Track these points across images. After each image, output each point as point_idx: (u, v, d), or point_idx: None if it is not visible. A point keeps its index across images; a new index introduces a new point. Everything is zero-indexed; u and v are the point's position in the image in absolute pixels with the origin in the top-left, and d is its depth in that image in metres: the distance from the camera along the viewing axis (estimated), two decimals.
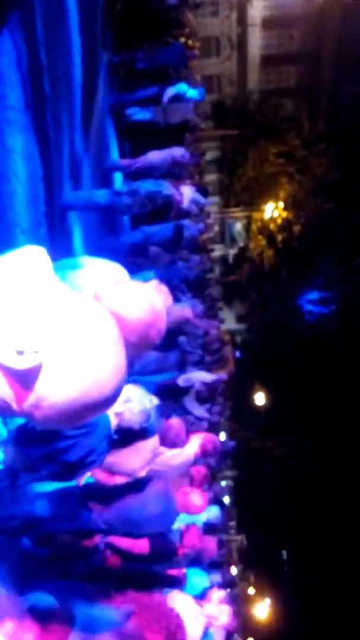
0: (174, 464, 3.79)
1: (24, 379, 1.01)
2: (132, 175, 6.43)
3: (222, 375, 8.23)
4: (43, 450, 2.18)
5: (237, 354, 22.09)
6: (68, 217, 5.15)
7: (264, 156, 22.28)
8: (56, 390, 1.01)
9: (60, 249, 4.81)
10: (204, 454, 4.77)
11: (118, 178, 7.42)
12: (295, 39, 26.94)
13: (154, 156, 6.32)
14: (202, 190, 8.83)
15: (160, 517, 2.64)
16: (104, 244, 6.10)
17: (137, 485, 2.51)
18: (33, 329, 1.03)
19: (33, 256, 1.53)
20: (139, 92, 7.54)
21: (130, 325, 1.44)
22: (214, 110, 24.09)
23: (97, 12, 6.81)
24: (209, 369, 7.80)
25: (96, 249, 6.19)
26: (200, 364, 7.08)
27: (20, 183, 3.65)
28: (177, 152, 6.46)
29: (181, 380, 5.64)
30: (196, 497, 2.73)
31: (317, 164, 22.45)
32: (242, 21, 26.07)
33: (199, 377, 6.37)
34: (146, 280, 4.93)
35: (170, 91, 7.40)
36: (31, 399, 1.02)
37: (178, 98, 7.59)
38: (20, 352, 1.01)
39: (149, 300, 1.60)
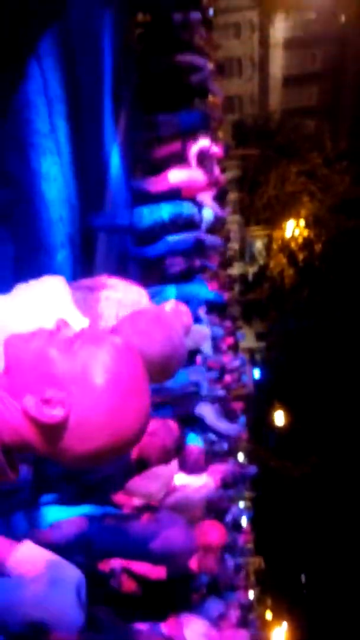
0: (194, 497, 3.74)
1: (48, 432, 0.98)
2: (154, 196, 6.50)
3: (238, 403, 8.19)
4: (63, 469, 2.17)
5: (257, 372, 21.95)
6: (91, 238, 5.21)
7: (285, 175, 22.34)
8: (80, 443, 0.98)
9: (82, 269, 4.87)
10: (224, 485, 4.72)
11: (140, 198, 7.51)
12: (317, 59, 27.14)
13: (175, 177, 6.39)
14: (223, 192, 8.85)
15: (180, 557, 2.61)
16: (128, 255, 6.17)
17: (157, 519, 2.49)
18: (59, 373, 0.98)
19: (53, 289, 1.54)
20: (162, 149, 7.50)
21: (150, 359, 1.44)
22: (235, 129, 24.29)
23: (124, 41, 6.97)
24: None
25: (119, 260, 6.28)
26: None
27: (44, 205, 3.72)
28: (197, 174, 6.52)
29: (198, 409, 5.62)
30: (215, 532, 2.69)
31: (339, 182, 22.42)
32: (264, 42, 26.37)
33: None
34: (167, 296, 4.94)
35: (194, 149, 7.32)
36: (54, 449, 1.00)
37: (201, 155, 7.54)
38: (47, 401, 0.97)
39: (169, 332, 1.59)
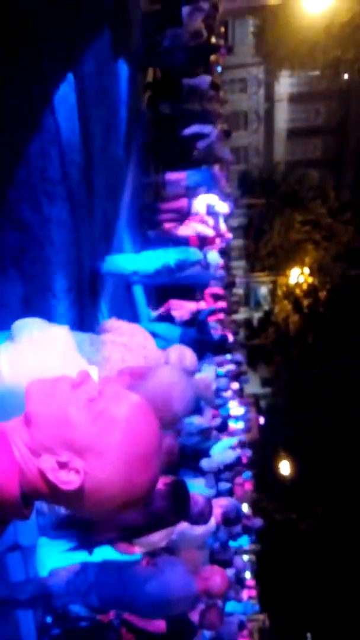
0: (193, 534, 3.65)
1: (63, 493, 0.98)
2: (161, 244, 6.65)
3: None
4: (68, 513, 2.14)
5: (261, 419, 21.68)
6: (97, 282, 5.29)
7: (290, 223, 22.73)
8: (93, 505, 0.99)
9: (88, 312, 4.92)
10: (225, 522, 4.58)
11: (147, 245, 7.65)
12: (321, 113, 28.07)
13: (182, 231, 6.61)
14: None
15: (179, 602, 2.53)
16: (137, 285, 6.24)
17: (156, 564, 2.43)
18: (77, 437, 0.97)
19: (59, 337, 1.56)
20: (170, 205, 7.71)
21: (164, 415, 1.44)
22: (241, 179, 24.90)
23: (134, 96, 7.26)
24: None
25: (125, 301, 6.34)
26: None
27: (54, 250, 3.80)
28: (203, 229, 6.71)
29: (205, 463, 5.55)
30: (218, 577, 2.61)
31: (343, 231, 22.76)
32: (270, 97, 27.38)
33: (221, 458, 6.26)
34: (173, 336, 4.92)
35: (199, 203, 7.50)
36: (66, 506, 1.02)
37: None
38: (63, 465, 0.97)
39: (184, 393, 1.61)
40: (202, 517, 3.08)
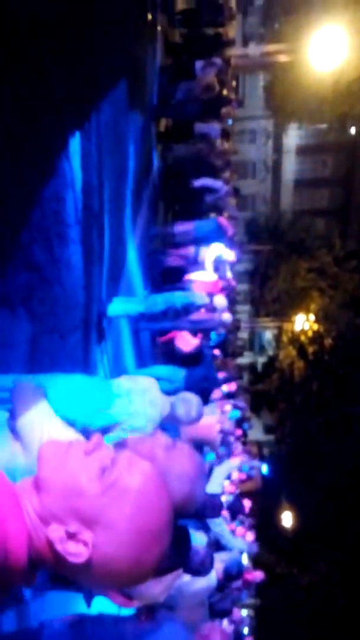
0: (192, 590, 3.53)
1: (70, 564, 0.96)
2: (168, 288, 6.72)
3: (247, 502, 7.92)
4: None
5: (265, 467, 21.26)
6: (104, 323, 5.31)
7: (296, 271, 22.92)
8: (99, 578, 0.97)
9: (93, 352, 4.92)
10: (227, 578, 4.43)
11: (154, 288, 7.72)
12: (328, 165, 28.78)
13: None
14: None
15: None
16: (146, 326, 6.25)
17: (154, 619, 2.33)
18: (88, 508, 0.95)
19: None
20: (178, 251, 7.85)
21: (177, 501, 1.41)
22: (248, 226, 25.30)
23: (148, 142, 7.50)
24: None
25: (133, 335, 6.35)
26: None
27: (63, 291, 3.83)
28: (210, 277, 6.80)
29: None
30: (217, 636, 2.49)
31: (349, 280, 22.90)
32: (278, 148, 28.14)
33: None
34: (177, 378, 4.87)
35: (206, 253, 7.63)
36: (72, 576, 0.99)
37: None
38: (72, 536, 0.95)
39: (201, 482, 1.62)
40: (203, 567, 2.99)
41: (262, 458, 21.93)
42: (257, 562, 16.17)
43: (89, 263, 4.44)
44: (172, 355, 6.81)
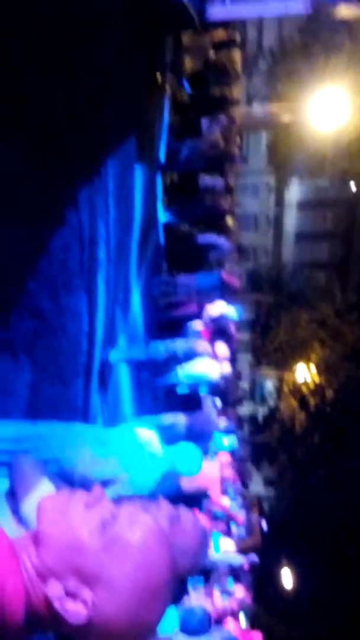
0: None
1: (67, 624, 0.92)
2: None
3: (252, 556, 7.70)
4: None
5: (264, 522, 20.64)
6: (106, 371, 5.31)
7: (297, 321, 23.01)
8: (96, 638, 0.94)
9: (94, 400, 4.89)
10: None
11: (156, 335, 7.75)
12: (328, 219, 29.38)
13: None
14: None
15: None
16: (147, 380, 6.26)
17: None
18: (88, 564, 0.92)
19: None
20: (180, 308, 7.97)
21: (178, 565, 1.41)
22: (250, 277, 25.57)
23: (154, 195, 7.70)
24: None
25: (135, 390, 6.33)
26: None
27: (66, 338, 3.86)
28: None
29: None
30: None
31: (349, 332, 22.95)
32: (280, 202, 28.81)
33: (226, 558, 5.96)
34: (176, 422, 4.83)
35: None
36: (69, 634, 0.95)
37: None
38: (71, 594, 0.91)
39: (203, 549, 1.61)
40: (201, 628, 2.89)
41: (261, 513, 21.33)
42: (254, 622, 15.46)
43: (93, 311, 4.49)
44: (173, 400, 6.80)
